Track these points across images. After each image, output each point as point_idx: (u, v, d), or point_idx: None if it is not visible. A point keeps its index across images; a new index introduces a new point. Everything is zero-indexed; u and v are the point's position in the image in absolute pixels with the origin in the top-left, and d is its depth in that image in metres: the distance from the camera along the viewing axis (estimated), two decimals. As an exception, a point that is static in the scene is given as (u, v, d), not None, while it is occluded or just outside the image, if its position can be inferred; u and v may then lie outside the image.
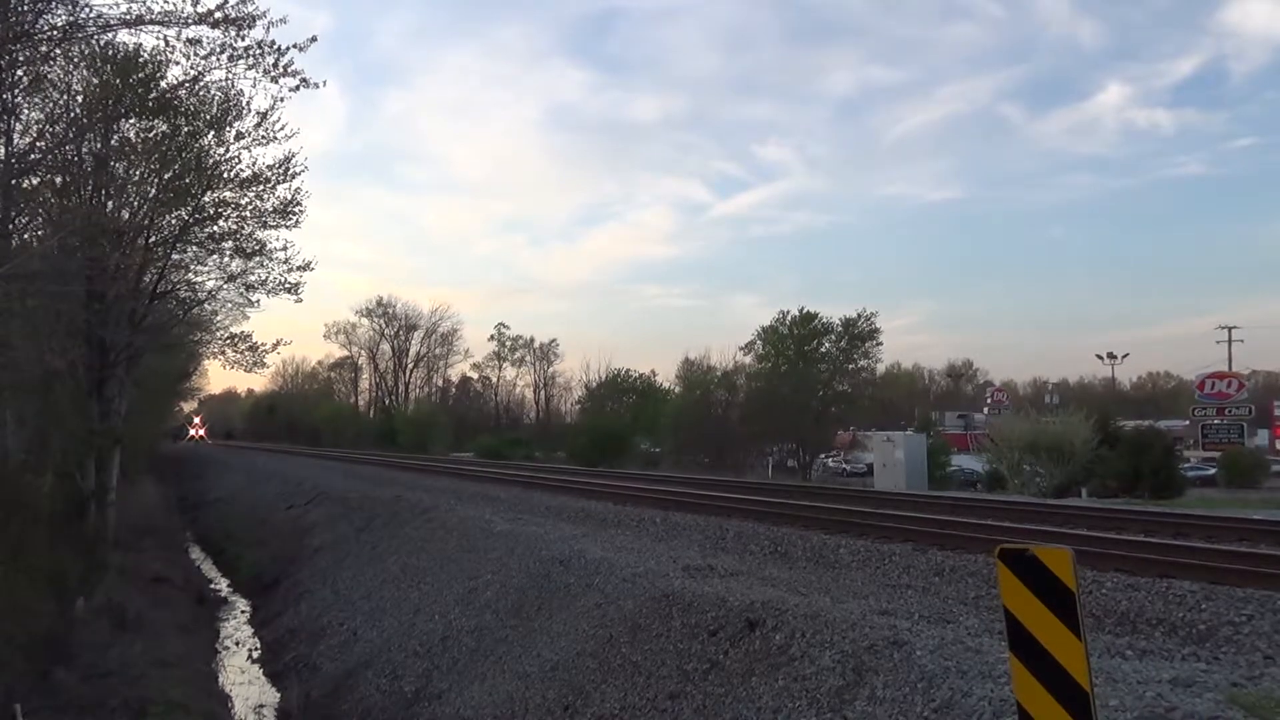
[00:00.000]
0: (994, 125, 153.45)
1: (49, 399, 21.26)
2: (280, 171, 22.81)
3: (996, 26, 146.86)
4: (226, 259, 24.51)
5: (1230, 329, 64.89)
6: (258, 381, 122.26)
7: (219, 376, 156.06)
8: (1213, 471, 44.26)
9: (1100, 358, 75.88)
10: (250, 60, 18.33)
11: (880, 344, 61.15)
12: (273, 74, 18.69)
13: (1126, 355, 77.05)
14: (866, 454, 51.88)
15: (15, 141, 17.57)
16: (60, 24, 13.87)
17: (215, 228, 23.45)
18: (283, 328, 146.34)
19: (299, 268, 24.59)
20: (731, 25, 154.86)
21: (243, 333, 26.14)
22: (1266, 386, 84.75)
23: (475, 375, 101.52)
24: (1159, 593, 9.56)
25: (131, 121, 20.50)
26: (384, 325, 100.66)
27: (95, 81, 18.75)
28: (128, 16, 14.41)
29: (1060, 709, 3.51)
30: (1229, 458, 44.66)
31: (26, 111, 16.94)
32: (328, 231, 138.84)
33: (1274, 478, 46.68)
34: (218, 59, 18.29)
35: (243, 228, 23.65)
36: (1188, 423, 53.80)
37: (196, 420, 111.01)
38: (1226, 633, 8.42)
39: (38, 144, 16.40)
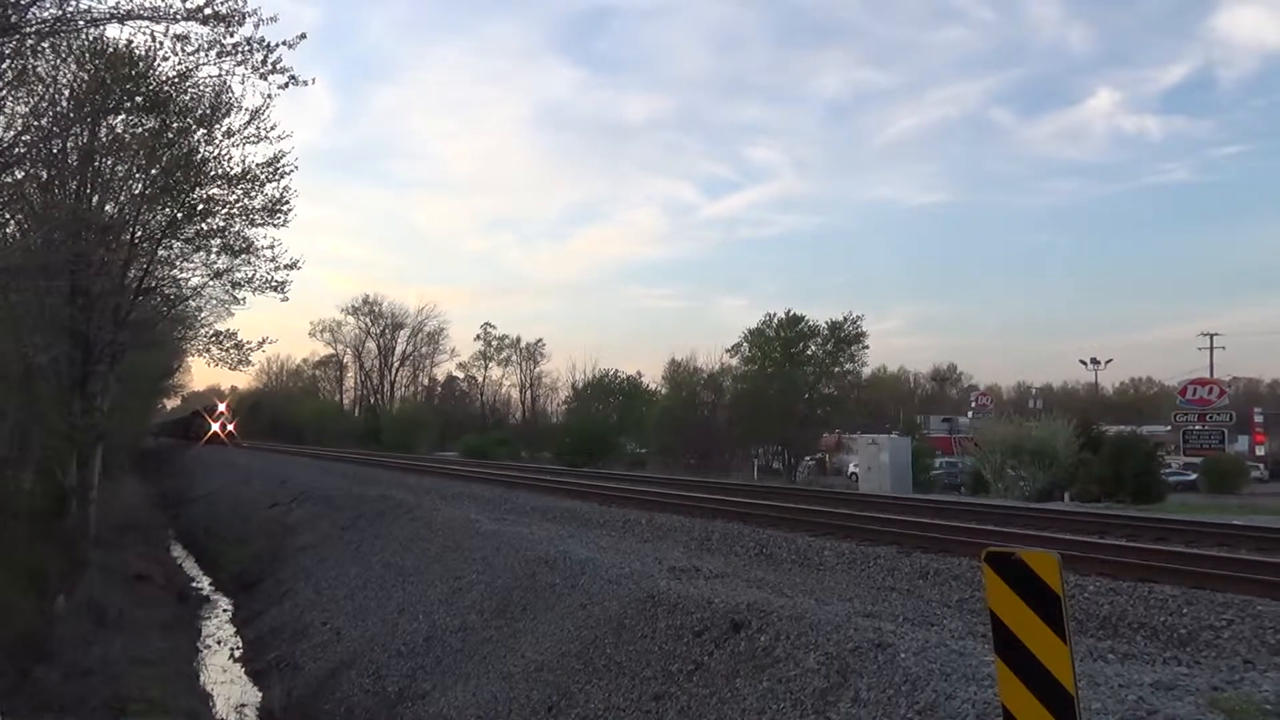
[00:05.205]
0: (983, 129, 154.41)
1: (31, 395, 21.09)
2: (270, 170, 22.70)
3: (987, 30, 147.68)
4: (213, 256, 24.37)
5: (1212, 336, 65.60)
6: (242, 379, 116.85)
7: (203, 374, 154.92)
8: (1194, 477, 44.61)
9: (1084, 363, 76.61)
10: (239, 57, 18.25)
11: (866, 347, 61.40)
12: (261, 71, 18.60)
13: (1110, 361, 77.54)
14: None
15: (-1, 135, 17.42)
16: (47, 17, 13.77)
17: (203, 224, 23.30)
18: (268, 325, 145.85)
19: (286, 266, 24.45)
20: (722, 26, 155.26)
21: (228, 330, 25.97)
22: (1248, 393, 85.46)
23: (461, 374, 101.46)
24: (1141, 597, 9.64)
25: (120, 118, 20.36)
26: (370, 323, 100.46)
27: (83, 76, 18.63)
28: (116, 11, 14.32)
29: (1045, 712, 3.54)
30: (1210, 463, 45.05)
31: (11, 105, 16.81)
32: (314, 228, 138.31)
33: (1254, 483, 47.17)
34: (206, 55, 18.21)
35: (231, 225, 23.53)
36: (1169, 428, 54.21)
37: (221, 409, 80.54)
38: (1207, 637, 8.50)
39: (22, 138, 16.26)
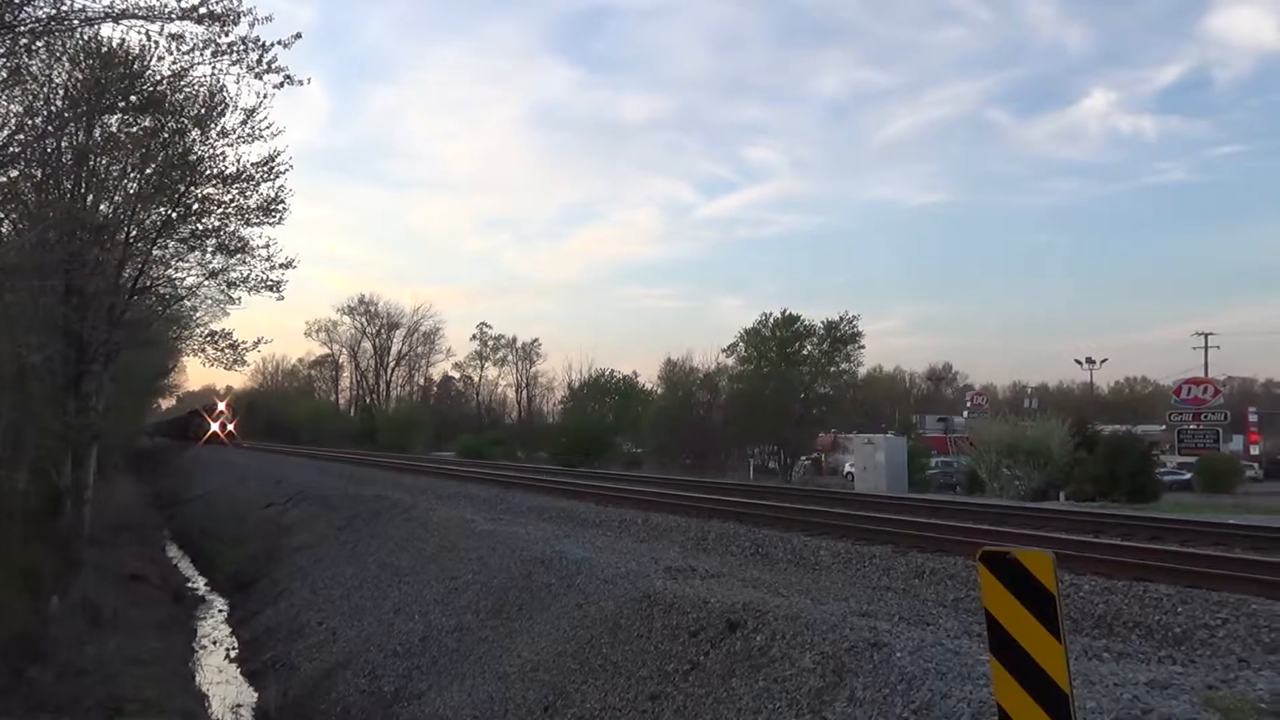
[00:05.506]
0: (981, 129, 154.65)
1: (25, 394, 21.04)
2: (265, 170, 22.70)
3: (985, 30, 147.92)
4: (208, 255, 24.36)
5: (1207, 335, 65.76)
6: (237, 379, 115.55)
7: (198, 373, 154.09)
8: (1188, 476, 44.73)
9: (1079, 363, 76.61)
10: (234, 56, 18.26)
11: (862, 347, 61.53)
12: (256, 70, 18.61)
13: (1105, 360, 77.48)
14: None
15: (-8, 134, 17.36)
16: (42, 16, 13.75)
17: (198, 224, 23.29)
18: (263, 325, 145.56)
19: (281, 265, 24.44)
20: (722, 26, 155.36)
21: (223, 330, 25.94)
22: (1242, 392, 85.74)
23: (457, 374, 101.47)
24: (1136, 596, 9.66)
25: (115, 117, 20.34)
26: (366, 323, 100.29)
27: (78, 75, 18.60)
28: (110, 10, 14.31)
29: (1040, 710, 3.54)
30: (1205, 463, 45.17)
31: (5, 104, 16.78)
32: (310, 228, 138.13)
33: (1249, 483, 47.30)
34: (201, 55, 18.22)
35: (226, 224, 23.52)
36: (1164, 428, 54.34)
37: (221, 408, 77.89)
38: (1202, 636, 8.52)
39: (16, 137, 16.23)
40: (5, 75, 14.96)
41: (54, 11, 13.75)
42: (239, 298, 25.75)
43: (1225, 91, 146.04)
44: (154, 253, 24.27)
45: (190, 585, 23.64)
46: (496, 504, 22.14)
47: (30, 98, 17.48)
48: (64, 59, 18.34)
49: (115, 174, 22.50)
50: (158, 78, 19.57)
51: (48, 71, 18.03)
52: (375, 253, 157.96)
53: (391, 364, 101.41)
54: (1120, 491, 32.16)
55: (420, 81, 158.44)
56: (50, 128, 17.49)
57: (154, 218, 23.15)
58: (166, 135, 21.25)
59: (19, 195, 18.92)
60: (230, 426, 75.11)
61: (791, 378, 58.60)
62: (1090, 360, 75.31)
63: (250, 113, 21.63)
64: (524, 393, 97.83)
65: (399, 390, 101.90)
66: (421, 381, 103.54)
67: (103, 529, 25.27)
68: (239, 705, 13.74)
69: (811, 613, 8.67)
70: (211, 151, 22.27)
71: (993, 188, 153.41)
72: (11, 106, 16.78)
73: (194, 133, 21.77)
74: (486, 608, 12.83)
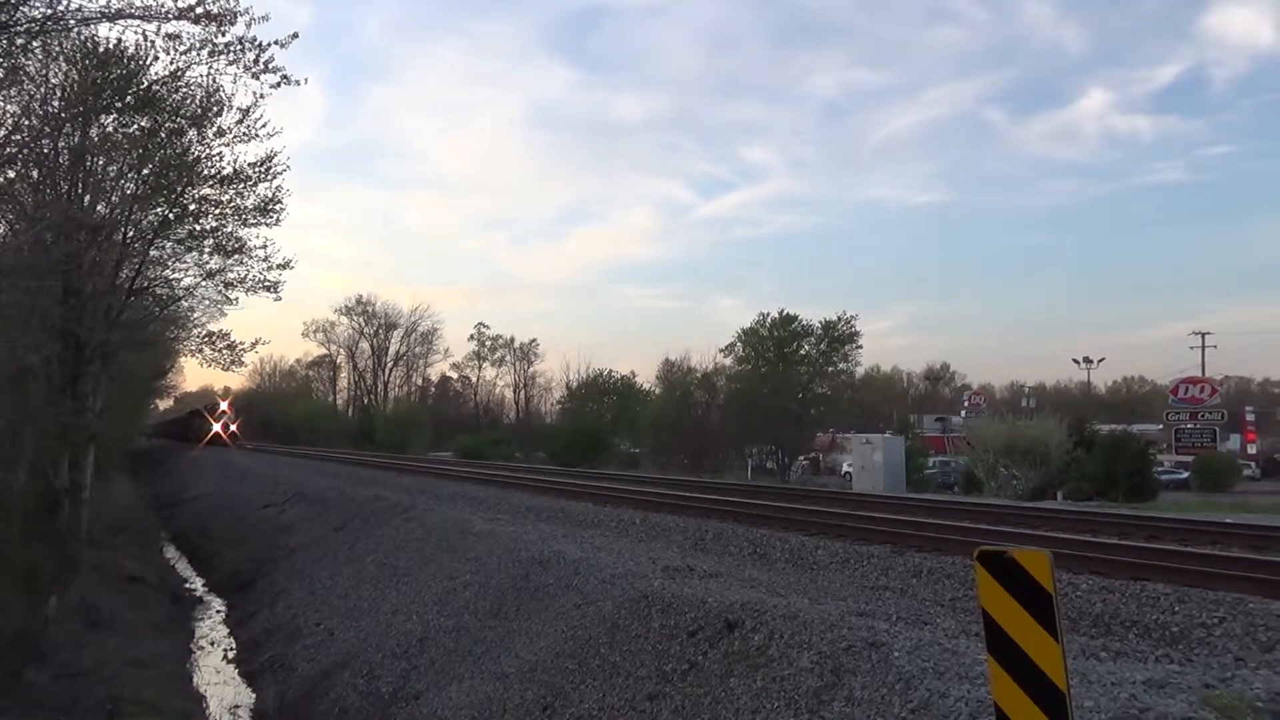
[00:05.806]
0: (977, 129, 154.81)
1: (22, 395, 21.01)
2: (262, 170, 22.68)
3: (981, 30, 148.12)
4: (205, 256, 24.34)
5: (1204, 335, 65.87)
6: (234, 379, 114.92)
7: (196, 374, 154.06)
8: (1186, 475, 44.81)
9: (1076, 362, 76.77)
10: (231, 56, 18.24)
11: (860, 347, 61.63)
12: (253, 70, 18.59)
13: (1102, 360, 77.76)
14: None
15: (-11, 134, 17.32)
16: (38, 16, 13.73)
17: (195, 225, 23.26)
18: (261, 325, 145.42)
19: (279, 266, 24.43)
20: (717, 26, 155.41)
21: (220, 330, 25.92)
22: (1239, 392, 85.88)
23: (455, 375, 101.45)
24: (1133, 595, 9.66)
25: (112, 117, 20.32)
26: (363, 324, 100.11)
27: (74, 75, 18.58)
28: (107, 10, 14.29)
29: (1037, 710, 3.54)
30: (1202, 462, 45.27)
31: (1, 104, 16.76)
32: (307, 228, 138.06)
33: (1246, 481, 47.40)
34: (198, 55, 18.20)
35: (223, 225, 23.50)
36: (1161, 427, 54.43)
37: (223, 408, 75.02)
38: (1199, 635, 8.52)
39: (13, 137, 16.20)
40: (1, 75, 14.94)
41: (50, 11, 13.73)
42: (236, 298, 25.75)
43: (1221, 91, 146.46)
44: (151, 253, 24.25)
45: (188, 586, 23.62)
46: (494, 504, 22.12)
47: (26, 98, 17.48)
48: (60, 59, 18.32)
49: (112, 174, 22.47)
50: (154, 78, 19.57)
51: (44, 71, 18.02)
52: (373, 253, 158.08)
53: (389, 364, 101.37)
54: (1118, 491, 32.22)
55: (417, 81, 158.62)
56: (47, 128, 17.46)
57: (151, 218, 23.11)
58: (163, 135, 21.22)
59: (15, 196, 18.92)
60: (233, 427, 72.74)
61: (789, 377, 58.70)
62: (1088, 360, 75.54)
63: (246, 112, 21.61)
64: (522, 393, 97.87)
65: (397, 391, 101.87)
66: (419, 382, 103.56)
67: (101, 530, 25.25)
68: (237, 706, 13.73)
69: (809, 612, 8.67)
70: (208, 152, 22.27)
71: (989, 187, 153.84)
72: (8, 107, 16.78)
73: (191, 133, 21.75)
74: (485, 608, 12.83)
